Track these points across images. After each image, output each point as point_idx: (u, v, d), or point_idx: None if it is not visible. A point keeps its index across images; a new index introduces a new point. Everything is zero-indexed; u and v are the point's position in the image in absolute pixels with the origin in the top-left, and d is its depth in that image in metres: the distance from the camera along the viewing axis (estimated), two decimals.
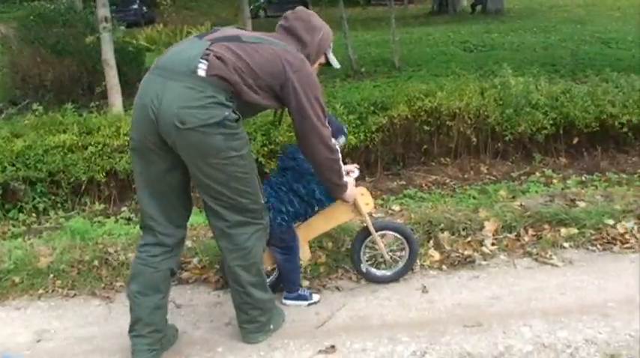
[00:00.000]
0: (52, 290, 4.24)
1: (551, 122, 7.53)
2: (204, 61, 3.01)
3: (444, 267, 4.34)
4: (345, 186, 3.62)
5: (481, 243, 4.53)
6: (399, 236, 4.13)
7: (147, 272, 3.28)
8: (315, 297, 3.97)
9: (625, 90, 7.91)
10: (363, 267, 4.12)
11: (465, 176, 7.51)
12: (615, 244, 4.50)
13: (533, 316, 3.63)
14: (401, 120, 7.49)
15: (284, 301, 3.91)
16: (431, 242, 4.53)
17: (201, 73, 2.99)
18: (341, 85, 10.51)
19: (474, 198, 6.17)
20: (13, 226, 6.47)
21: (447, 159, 7.72)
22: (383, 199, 6.53)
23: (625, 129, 7.59)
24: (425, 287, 4.07)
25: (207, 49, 3.05)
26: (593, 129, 7.57)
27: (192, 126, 2.95)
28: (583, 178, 7.04)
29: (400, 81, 10.50)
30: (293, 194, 3.77)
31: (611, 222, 4.67)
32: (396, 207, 5.34)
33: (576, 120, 7.52)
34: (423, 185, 7.30)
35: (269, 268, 3.94)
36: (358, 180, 3.99)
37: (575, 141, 7.75)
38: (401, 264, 4.15)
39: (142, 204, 3.31)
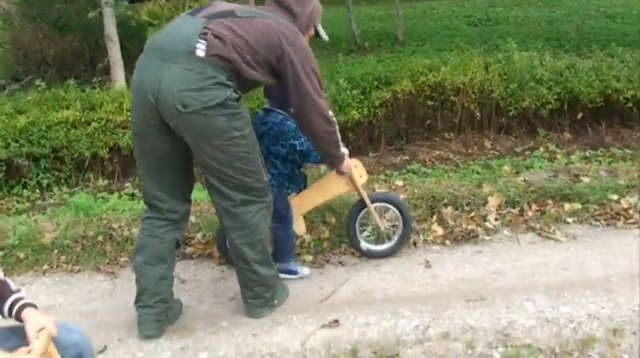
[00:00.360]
0: (57, 266, 4.25)
1: (555, 97, 7.49)
2: (203, 41, 2.97)
3: (447, 241, 4.34)
4: (343, 157, 3.61)
5: (484, 218, 4.53)
6: (392, 208, 4.12)
7: (153, 243, 3.30)
8: (306, 271, 3.99)
9: (630, 65, 7.87)
10: (360, 240, 4.12)
11: (469, 151, 7.50)
12: (619, 219, 4.50)
13: (537, 291, 3.64)
14: (404, 95, 7.46)
15: None
16: (434, 217, 4.53)
17: (200, 53, 2.95)
18: (344, 60, 10.42)
19: (478, 173, 6.17)
20: (18, 202, 6.49)
21: (451, 134, 7.70)
22: (386, 174, 6.53)
23: (630, 104, 7.56)
24: (428, 262, 4.08)
25: (204, 27, 3.00)
26: (598, 104, 7.54)
27: (195, 109, 2.94)
28: (587, 153, 7.02)
29: (404, 55, 10.42)
30: (274, 157, 3.76)
31: (614, 197, 4.66)
32: (400, 182, 5.33)
33: (581, 95, 7.49)
34: (427, 160, 7.29)
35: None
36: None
37: (580, 116, 7.72)
38: (396, 237, 4.15)
39: (145, 184, 3.32)
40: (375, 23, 15.81)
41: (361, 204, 4.03)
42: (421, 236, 4.35)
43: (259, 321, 3.46)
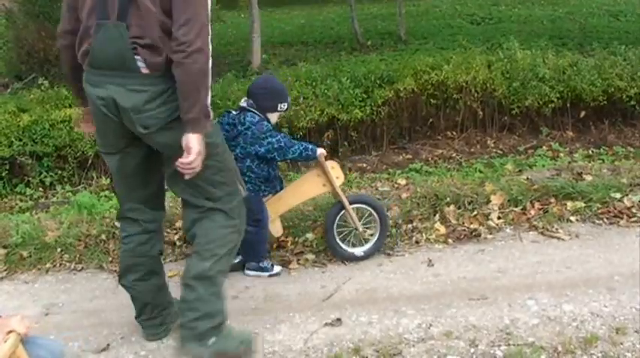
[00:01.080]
0: (60, 264, 4.26)
1: (558, 95, 7.50)
2: (139, 57, 2.70)
3: (449, 240, 4.34)
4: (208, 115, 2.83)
5: (487, 217, 4.53)
6: (369, 209, 4.12)
7: (140, 262, 3.19)
8: (277, 269, 3.99)
9: (633, 63, 7.87)
10: (338, 242, 4.10)
11: (472, 150, 7.51)
12: (622, 218, 4.49)
13: (539, 289, 3.64)
14: (407, 94, 7.47)
15: (246, 272, 3.93)
16: (437, 216, 4.53)
17: (144, 70, 2.72)
18: (347, 59, 10.42)
19: (481, 171, 6.17)
20: (21, 201, 6.50)
21: (454, 132, 7.71)
22: (389, 173, 6.54)
23: (632, 103, 7.56)
24: (430, 260, 4.08)
25: (130, 39, 2.68)
26: (601, 102, 7.54)
27: (157, 127, 2.77)
28: (590, 152, 7.02)
29: (406, 54, 10.42)
30: (251, 159, 3.75)
31: (617, 195, 4.65)
32: (402, 181, 5.33)
33: (583, 93, 7.49)
34: (429, 159, 7.30)
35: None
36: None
37: (582, 114, 7.73)
38: (374, 239, 4.14)
39: (122, 198, 3.19)
40: (377, 22, 15.81)
41: (339, 206, 4.04)
42: (424, 235, 4.35)
43: (261, 319, 3.46)
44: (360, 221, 4.09)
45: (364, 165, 7.27)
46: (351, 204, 4.03)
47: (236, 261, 3.89)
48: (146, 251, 3.19)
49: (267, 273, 3.95)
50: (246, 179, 3.69)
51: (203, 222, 3.01)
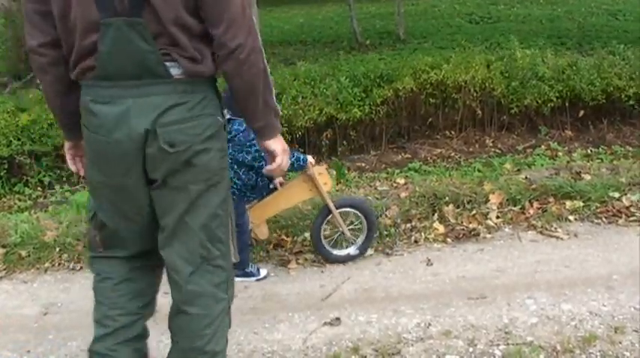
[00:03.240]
0: (59, 264, 4.26)
1: (557, 95, 7.50)
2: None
3: (448, 240, 4.34)
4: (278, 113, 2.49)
5: (486, 216, 4.53)
6: (357, 212, 4.12)
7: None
8: (263, 272, 3.99)
9: (632, 62, 7.88)
10: (325, 246, 4.10)
11: (470, 149, 7.51)
12: (620, 217, 4.50)
13: (538, 288, 3.64)
14: (406, 93, 7.48)
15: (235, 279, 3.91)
16: (435, 215, 4.53)
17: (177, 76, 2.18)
18: (345, 58, 10.42)
19: (479, 171, 6.17)
20: (19, 200, 6.50)
21: (452, 132, 7.72)
22: (387, 172, 6.54)
23: (631, 102, 7.57)
24: (429, 260, 4.08)
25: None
26: (599, 102, 7.55)
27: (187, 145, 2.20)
28: (589, 151, 7.03)
29: (405, 53, 10.42)
30: (238, 166, 3.73)
31: (616, 194, 4.66)
32: (401, 180, 5.34)
33: (582, 92, 7.50)
34: (428, 158, 7.31)
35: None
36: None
37: (581, 114, 7.74)
38: (360, 242, 4.14)
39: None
40: (376, 21, 15.81)
41: (326, 211, 4.04)
42: (422, 234, 4.35)
43: (260, 319, 3.47)
44: (349, 225, 4.10)
45: (363, 164, 7.27)
46: (337, 208, 4.03)
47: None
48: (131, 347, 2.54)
49: (254, 278, 3.94)
50: (233, 186, 3.69)
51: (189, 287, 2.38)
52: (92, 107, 2.18)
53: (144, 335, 2.58)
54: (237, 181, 3.73)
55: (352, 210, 4.13)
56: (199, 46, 2.17)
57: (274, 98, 2.36)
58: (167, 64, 2.14)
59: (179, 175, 2.22)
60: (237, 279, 3.87)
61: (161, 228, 2.34)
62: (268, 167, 2.47)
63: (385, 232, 4.27)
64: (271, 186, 3.97)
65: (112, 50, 2.11)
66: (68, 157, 2.58)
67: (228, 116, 3.75)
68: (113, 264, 2.48)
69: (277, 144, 2.40)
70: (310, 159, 3.86)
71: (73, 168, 2.61)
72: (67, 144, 2.56)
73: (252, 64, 2.19)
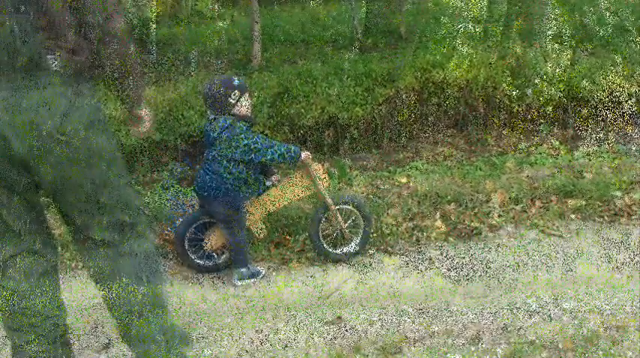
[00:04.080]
0: (60, 263, 4.25)
1: (559, 94, 7.48)
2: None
3: (450, 238, 4.34)
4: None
5: (488, 215, 4.53)
6: (354, 209, 4.13)
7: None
8: (262, 270, 4.00)
9: (634, 61, 7.86)
10: (323, 243, 4.11)
11: (472, 148, 7.49)
12: (622, 216, 4.49)
13: (540, 287, 3.64)
14: (408, 92, 7.46)
15: (236, 283, 3.90)
16: (437, 214, 4.53)
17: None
18: (347, 57, 10.42)
19: (481, 169, 6.16)
20: None
21: (454, 130, 7.70)
22: (390, 171, 6.52)
23: (633, 101, 7.54)
24: (431, 258, 4.08)
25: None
26: (602, 100, 7.53)
27: None
28: (591, 150, 7.01)
29: (407, 52, 10.42)
30: (227, 160, 3.74)
31: (618, 193, 4.65)
32: (403, 179, 5.33)
33: (584, 91, 7.48)
34: (430, 157, 7.28)
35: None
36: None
37: (583, 112, 7.71)
38: (358, 239, 4.15)
39: None
40: (378, 20, 15.80)
41: (324, 208, 4.04)
42: (424, 233, 4.35)
43: (262, 318, 3.47)
44: (346, 221, 4.10)
45: (365, 163, 7.27)
46: (335, 205, 4.04)
47: (220, 261, 4.01)
48: None
49: (259, 277, 3.95)
50: (226, 181, 3.72)
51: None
52: None
53: None
54: (228, 176, 3.73)
55: (346, 206, 4.13)
56: None
57: None
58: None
59: None
60: (239, 283, 3.90)
61: None
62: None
63: (387, 231, 4.27)
64: (268, 184, 3.98)
65: None
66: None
67: (212, 116, 3.78)
68: None
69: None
70: (307, 153, 3.86)
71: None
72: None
73: None
